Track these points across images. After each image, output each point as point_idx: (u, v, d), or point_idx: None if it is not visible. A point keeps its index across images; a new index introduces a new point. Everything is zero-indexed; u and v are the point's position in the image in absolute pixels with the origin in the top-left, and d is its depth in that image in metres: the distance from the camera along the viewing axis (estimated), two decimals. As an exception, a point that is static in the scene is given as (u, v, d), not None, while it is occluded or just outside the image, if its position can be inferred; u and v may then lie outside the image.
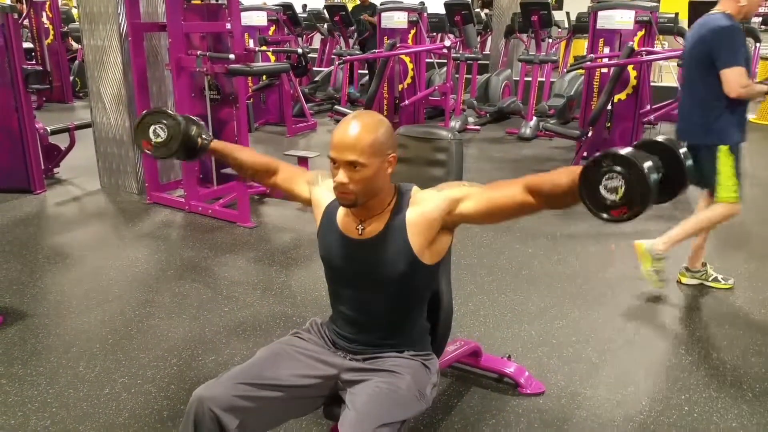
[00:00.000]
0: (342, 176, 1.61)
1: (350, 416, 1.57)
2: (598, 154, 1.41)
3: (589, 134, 6.25)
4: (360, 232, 1.74)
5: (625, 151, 1.38)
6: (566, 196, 1.53)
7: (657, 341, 3.05)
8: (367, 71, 9.84)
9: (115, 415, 2.46)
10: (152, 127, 2.00)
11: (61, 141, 5.85)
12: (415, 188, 1.78)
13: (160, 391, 2.63)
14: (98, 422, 2.42)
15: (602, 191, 1.39)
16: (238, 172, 2.11)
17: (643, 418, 2.45)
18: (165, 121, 1.99)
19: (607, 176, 1.38)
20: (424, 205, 1.71)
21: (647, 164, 1.36)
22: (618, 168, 1.37)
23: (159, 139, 1.99)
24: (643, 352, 2.95)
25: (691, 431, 2.38)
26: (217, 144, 2.07)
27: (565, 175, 1.52)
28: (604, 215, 1.41)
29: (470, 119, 8.60)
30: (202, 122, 2.10)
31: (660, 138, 1.45)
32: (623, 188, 1.36)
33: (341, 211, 1.79)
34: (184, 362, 2.83)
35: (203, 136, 2.04)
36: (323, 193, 1.86)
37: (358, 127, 1.61)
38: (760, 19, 10.60)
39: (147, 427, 2.39)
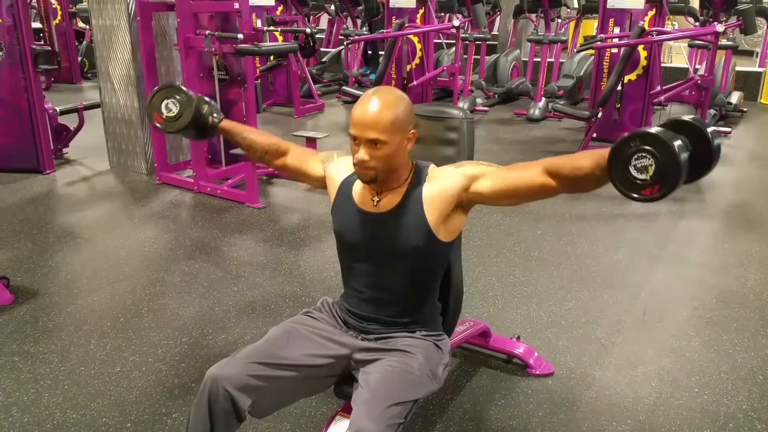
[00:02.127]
0: (363, 153, 1.61)
1: (363, 394, 1.58)
2: (625, 134, 1.40)
3: (599, 115, 6.20)
4: (375, 204, 1.74)
5: (653, 130, 1.37)
6: (587, 178, 1.51)
7: (666, 323, 3.04)
8: (370, 51, 9.77)
9: (126, 393, 2.48)
10: (165, 102, 2.00)
11: (70, 121, 5.85)
12: (432, 165, 1.78)
13: (170, 369, 2.64)
14: (110, 399, 2.44)
15: (632, 171, 1.38)
16: (248, 152, 2.09)
17: (653, 399, 2.45)
18: (178, 96, 1.99)
19: (636, 156, 1.37)
20: (442, 181, 1.71)
21: (677, 143, 1.35)
22: (647, 147, 1.36)
23: (170, 114, 2.00)
24: (652, 333, 2.95)
25: (701, 413, 2.38)
26: (227, 123, 2.06)
27: (588, 158, 1.50)
28: (635, 195, 1.40)
29: (479, 100, 8.54)
30: (214, 102, 2.10)
31: (687, 117, 1.44)
32: (653, 167, 1.35)
33: (357, 186, 1.79)
34: (194, 341, 2.85)
35: (214, 115, 2.03)
36: (338, 169, 1.86)
37: (379, 105, 1.60)
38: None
39: (158, 405, 2.41)
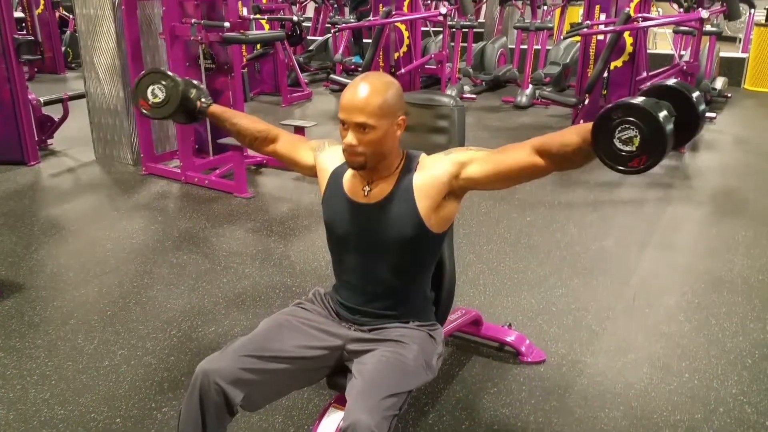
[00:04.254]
0: (351, 138, 1.60)
1: (358, 385, 1.57)
2: (608, 105, 1.38)
3: (586, 102, 6.21)
4: (366, 194, 1.72)
5: (636, 100, 1.35)
6: (576, 154, 1.50)
7: (656, 308, 3.05)
8: (354, 39, 9.73)
9: (115, 387, 2.46)
10: (150, 87, 1.97)
11: (55, 112, 5.77)
12: (423, 154, 1.76)
13: (160, 362, 2.62)
14: (98, 394, 2.41)
15: (617, 143, 1.36)
16: (237, 138, 2.06)
17: (644, 385, 2.46)
18: (164, 82, 1.96)
19: (620, 128, 1.35)
20: (432, 169, 1.69)
21: (662, 113, 1.33)
22: (630, 118, 1.33)
23: (156, 99, 1.97)
24: (642, 319, 2.96)
25: (691, 397, 2.39)
26: (216, 108, 2.03)
27: (575, 133, 1.49)
28: (621, 167, 1.38)
29: (466, 88, 8.52)
30: (203, 86, 2.07)
31: (670, 82, 1.41)
32: (638, 138, 1.33)
33: (347, 175, 1.77)
34: (183, 333, 2.83)
35: (202, 100, 2.00)
36: (329, 159, 1.84)
37: (368, 89, 1.59)
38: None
39: (147, 399, 2.38)
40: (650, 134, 1.32)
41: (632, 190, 4.83)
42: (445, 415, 2.29)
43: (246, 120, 2.03)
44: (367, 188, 1.73)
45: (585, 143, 1.45)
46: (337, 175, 1.79)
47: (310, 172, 1.91)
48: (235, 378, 1.60)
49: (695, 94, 1.39)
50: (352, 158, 1.64)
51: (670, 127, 1.33)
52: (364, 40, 9.96)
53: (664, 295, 3.19)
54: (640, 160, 1.35)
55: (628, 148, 1.35)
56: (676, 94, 1.39)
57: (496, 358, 2.63)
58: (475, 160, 1.66)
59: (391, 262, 1.74)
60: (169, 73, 1.99)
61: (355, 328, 1.78)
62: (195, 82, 2.03)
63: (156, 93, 1.96)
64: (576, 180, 4.99)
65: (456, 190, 1.70)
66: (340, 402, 1.69)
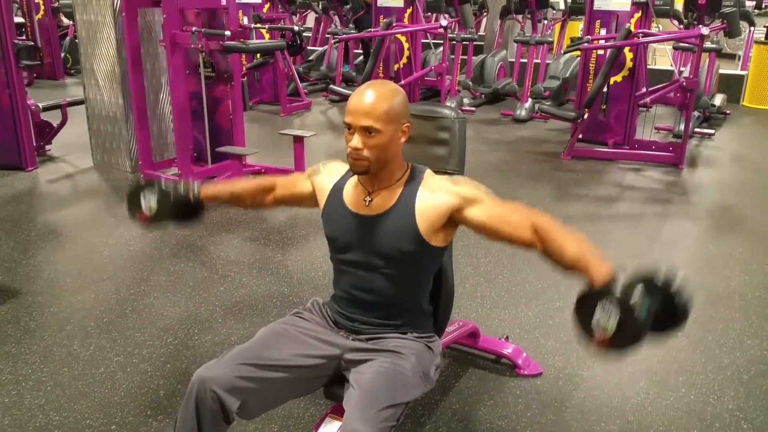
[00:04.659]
0: (356, 141, 1.61)
1: (356, 395, 1.56)
2: (604, 286, 1.39)
3: (585, 116, 6.22)
4: (367, 204, 1.72)
5: (633, 300, 1.34)
6: (563, 265, 1.56)
7: (653, 323, 3.04)
8: (362, 51, 9.76)
9: (110, 394, 2.45)
10: (141, 199, 1.92)
11: (53, 118, 5.77)
12: (428, 171, 1.76)
13: (156, 370, 2.61)
14: (94, 401, 2.40)
15: (594, 320, 1.38)
16: (239, 204, 2.03)
17: (641, 399, 2.46)
18: (149, 189, 1.92)
19: (602, 309, 1.37)
20: (436, 195, 1.69)
21: (643, 317, 1.33)
22: (616, 309, 1.35)
23: (151, 204, 1.91)
24: (639, 334, 2.95)
25: (688, 412, 2.39)
26: (207, 189, 1.99)
27: (575, 250, 1.53)
28: (586, 335, 1.41)
29: (465, 100, 8.55)
30: (186, 179, 2.00)
31: (664, 280, 1.38)
32: (614, 328, 1.35)
33: (348, 188, 1.77)
34: (180, 341, 2.82)
35: (192, 188, 1.95)
36: (327, 177, 1.84)
37: (375, 95, 1.61)
38: (754, 2, 10.57)
39: (143, 406, 2.37)
40: (627, 332, 1.35)
41: (631, 204, 4.84)
42: (442, 426, 2.28)
43: (239, 184, 2.01)
44: (368, 198, 1.73)
45: (574, 268, 1.51)
46: (336, 190, 1.80)
47: (313, 201, 1.89)
48: (232, 386, 1.59)
49: (682, 300, 1.37)
50: (356, 162, 1.64)
51: (646, 331, 1.35)
52: (355, 51, 10.00)
53: (661, 309, 3.18)
54: (605, 340, 1.37)
55: (601, 328, 1.37)
56: (663, 289, 1.38)
57: (493, 371, 2.63)
58: (479, 204, 1.67)
59: (391, 274, 1.74)
60: (151, 180, 1.95)
61: (353, 338, 1.78)
62: (172, 179, 1.95)
63: (148, 200, 1.91)
64: (575, 194, 5.00)
65: (455, 220, 1.71)
66: (337, 412, 1.69)
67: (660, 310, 1.36)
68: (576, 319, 1.42)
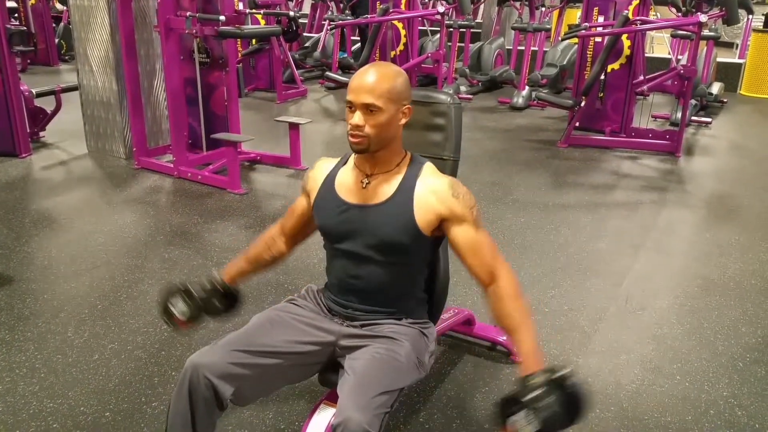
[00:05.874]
0: (357, 118, 1.61)
1: (350, 382, 1.56)
2: (532, 394, 1.42)
3: (582, 104, 6.20)
4: (364, 186, 1.71)
5: (554, 412, 1.40)
6: (498, 324, 1.69)
7: (649, 311, 3.05)
8: (359, 37, 9.71)
9: (105, 381, 2.44)
10: (170, 306, 1.87)
11: (47, 104, 5.74)
12: (428, 163, 1.75)
13: (150, 357, 2.60)
14: (88, 388, 2.39)
15: (513, 418, 1.42)
16: (265, 266, 1.99)
17: (636, 386, 2.46)
18: (176, 296, 1.87)
19: (525, 416, 1.40)
20: (433, 198, 1.67)
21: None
22: (536, 423, 1.39)
23: (184, 309, 1.86)
24: (635, 321, 2.96)
25: (682, 399, 2.39)
26: (229, 269, 1.96)
27: (515, 326, 1.62)
28: (500, 419, 1.45)
29: (462, 88, 8.52)
30: (207, 273, 1.96)
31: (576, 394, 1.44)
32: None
33: (341, 177, 1.76)
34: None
35: (213, 278, 1.92)
36: (318, 175, 1.81)
37: (377, 74, 1.61)
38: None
39: (137, 393, 2.37)
40: None
41: (627, 193, 4.84)
42: (437, 413, 2.28)
43: (251, 249, 1.97)
44: (365, 180, 1.71)
45: (516, 352, 1.60)
46: (328, 182, 1.78)
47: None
48: (225, 372, 1.59)
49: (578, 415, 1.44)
50: (357, 140, 1.63)
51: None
52: (352, 38, 9.92)
53: (656, 297, 3.19)
54: None
55: (517, 427, 1.41)
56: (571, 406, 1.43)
57: (488, 358, 2.62)
58: (463, 224, 1.67)
59: (385, 262, 1.72)
60: (176, 285, 1.90)
61: (347, 324, 1.77)
62: (192, 281, 1.91)
63: (177, 306, 1.86)
64: (571, 182, 4.99)
65: (441, 225, 1.71)
66: (332, 398, 1.68)
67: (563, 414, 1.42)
68: (498, 409, 1.46)
